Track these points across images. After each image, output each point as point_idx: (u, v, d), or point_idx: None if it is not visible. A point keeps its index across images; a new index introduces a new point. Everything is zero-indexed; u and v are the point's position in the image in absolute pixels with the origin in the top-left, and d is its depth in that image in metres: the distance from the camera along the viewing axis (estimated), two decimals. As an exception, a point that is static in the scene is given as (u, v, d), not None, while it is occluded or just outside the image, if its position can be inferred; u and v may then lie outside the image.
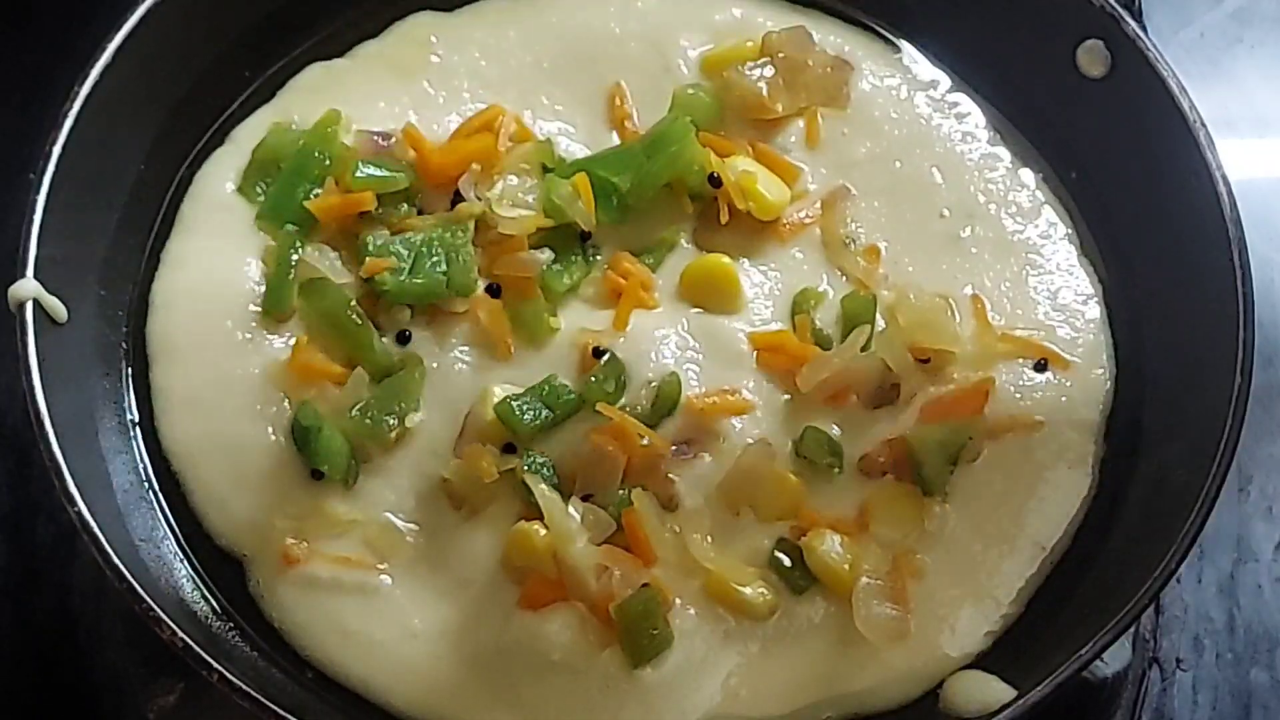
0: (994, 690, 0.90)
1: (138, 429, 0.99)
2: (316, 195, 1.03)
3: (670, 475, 0.96)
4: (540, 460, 0.96)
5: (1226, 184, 0.99)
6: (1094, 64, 1.05)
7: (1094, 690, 1.07)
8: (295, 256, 1.01)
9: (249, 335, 1.00)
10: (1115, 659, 1.06)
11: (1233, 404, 0.93)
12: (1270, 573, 1.14)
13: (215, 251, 1.03)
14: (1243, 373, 0.93)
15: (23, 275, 0.94)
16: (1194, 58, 1.32)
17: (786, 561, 0.95)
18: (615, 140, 1.07)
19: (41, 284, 0.94)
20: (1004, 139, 1.10)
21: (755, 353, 1.01)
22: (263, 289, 1.01)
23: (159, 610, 0.87)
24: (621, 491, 0.94)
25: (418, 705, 0.93)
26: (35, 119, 0.99)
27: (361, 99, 1.07)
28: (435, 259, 1.00)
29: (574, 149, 1.06)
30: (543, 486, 0.93)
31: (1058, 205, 1.08)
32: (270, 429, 0.98)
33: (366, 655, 0.93)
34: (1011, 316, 1.03)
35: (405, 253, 1.00)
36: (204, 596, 0.95)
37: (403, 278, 1.00)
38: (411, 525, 0.96)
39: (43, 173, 0.96)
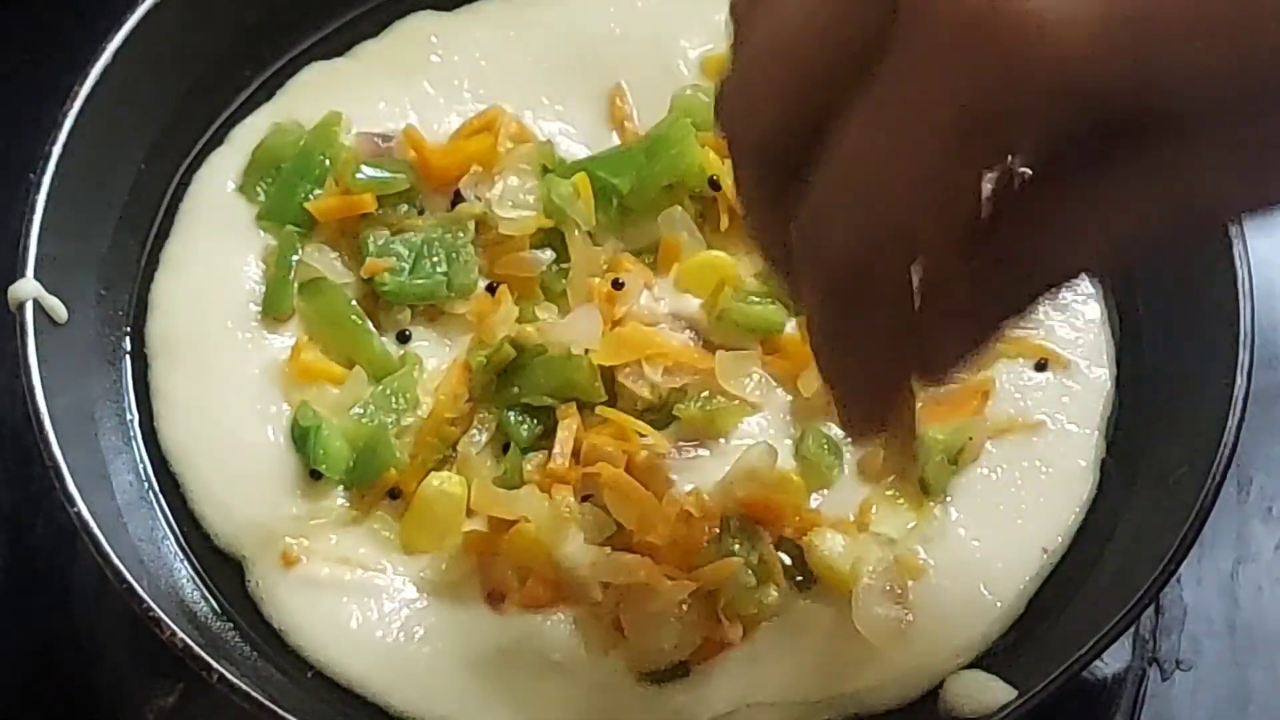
0: (994, 690, 0.90)
1: (138, 429, 0.99)
2: (317, 196, 1.03)
3: (671, 476, 0.96)
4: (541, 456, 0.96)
5: (1227, 184, 0.98)
6: (1094, 64, 1.05)
7: (1094, 690, 1.06)
8: (295, 257, 1.01)
9: (249, 335, 1.01)
10: (1115, 659, 1.06)
11: (1233, 404, 0.93)
12: (1270, 573, 1.14)
13: (215, 251, 1.03)
14: (1243, 373, 0.93)
15: (23, 275, 0.94)
16: (1194, 58, 1.31)
17: (786, 561, 0.95)
18: (615, 141, 1.07)
19: (41, 284, 0.94)
20: (1004, 139, 1.09)
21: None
22: (263, 289, 1.02)
23: (159, 610, 0.87)
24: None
25: (418, 705, 0.93)
26: (35, 119, 0.99)
27: (361, 99, 1.07)
28: (435, 259, 1.01)
29: (574, 149, 1.06)
30: (537, 493, 0.93)
31: (1057, 205, 1.08)
32: (270, 429, 0.98)
33: (366, 655, 0.93)
34: (1011, 316, 1.03)
35: (405, 253, 1.00)
36: (204, 596, 0.95)
37: (403, 278, 1.00)
38: (412, 525, 0.96)
39: (43, 173, 0.96)
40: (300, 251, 1.01)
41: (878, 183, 0.61)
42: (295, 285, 1.01)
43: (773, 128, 0.64)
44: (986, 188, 0.63)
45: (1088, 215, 0.64)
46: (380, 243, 1.01)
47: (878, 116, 0.60)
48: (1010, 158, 0.62)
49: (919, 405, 0.79)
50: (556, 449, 0.94)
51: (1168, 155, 0.62)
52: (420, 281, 1.00)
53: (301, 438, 0.96)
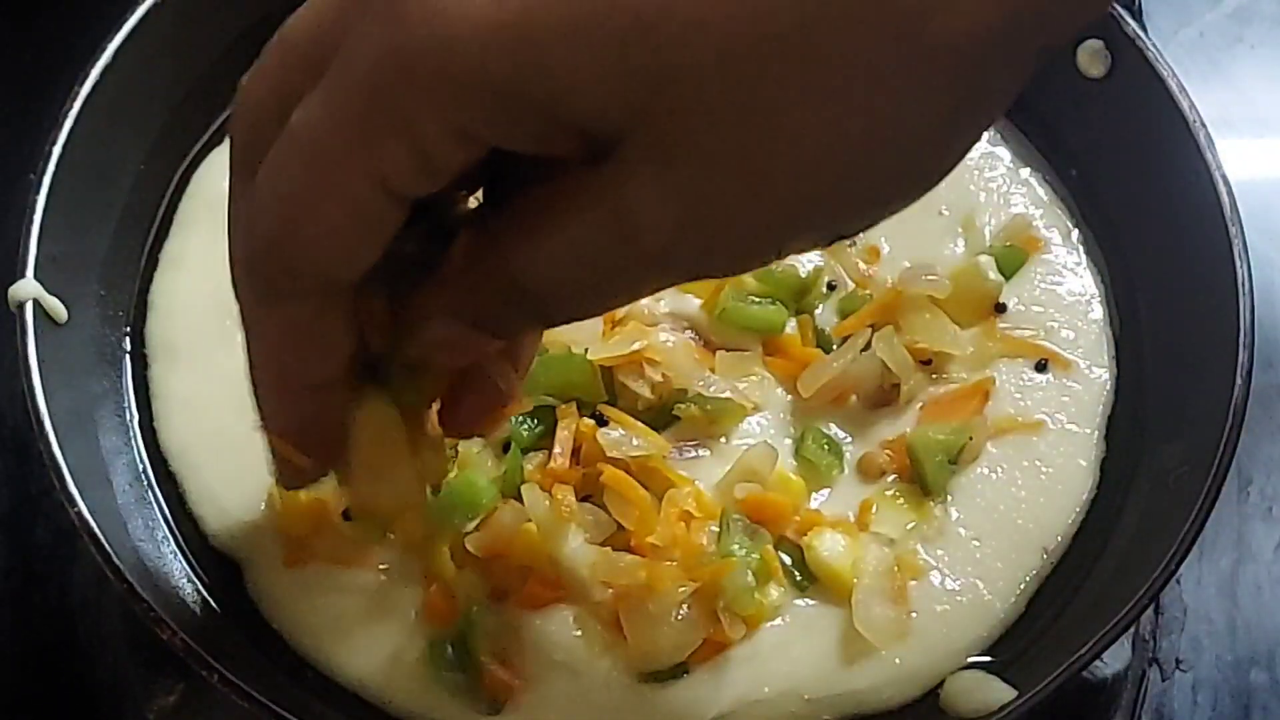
0: (994, 690, 0.90)
1: (137, 429, 0.99)
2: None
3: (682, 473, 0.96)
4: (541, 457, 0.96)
5: (1226, 184, 0.99)
6: (1094, 64, 1.05)
7: (1094, 690, 1.06)
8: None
9: (249, 335, 1.00)
10: (1115, 659, 1.06)
11: (1233, 404, 0.93)
12: (1270, 573, 1.14)
13: (214, 251, 1.02)
14: (1243, 373, 0.93)
15: (23, 275, 0.94)
16: (1194, 58, 1.32)
17: (786, 561, 0.95)
18: (615, 140, 1.07)
19: (41, 284, 0.94)
20: (1004, 139, 1.10)
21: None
22: (262, 289, 1.02)
23: (159, 610, 0.86)
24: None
25: (417, 705, 0.92)
26: (35, 119, 0.99)
27: (361, 99, 1.07)
28: (436, 259, 1.00)
29: (574, 149, 1.06)
30: (537, 492, 0.93)
31: (1058, 205, 1.08)
32: (270, 429, 0.98)
33: (366, 655, 0.93)
34: (1012, 316, 1.03)
35: (407, 255, 1.00)
36: (204, 597, 0.95)
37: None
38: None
39: (43, 173, 0.96)
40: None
41: (286, 164, 0.61)
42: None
43: (248, 105, 0.66)
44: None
45: (552, 229, 0.61)
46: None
47: (311, 96, 0.60)
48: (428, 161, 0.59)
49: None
50: (556, 449, 0.94)
51: (606, 175, 0.59)
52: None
53: (300, 438, 0.96)
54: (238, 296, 0.69)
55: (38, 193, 0.95)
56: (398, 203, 0.61)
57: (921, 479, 0.97)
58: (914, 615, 0.94)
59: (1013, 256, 1.04)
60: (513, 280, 0.63)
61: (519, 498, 0.93)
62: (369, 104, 0.58)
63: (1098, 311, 1.05)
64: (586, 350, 0.96)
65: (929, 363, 1.01)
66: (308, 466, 0.76)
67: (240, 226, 0.66)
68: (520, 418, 0.96)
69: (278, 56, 0.64)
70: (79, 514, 0.88)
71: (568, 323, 0.67)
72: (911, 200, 0.61)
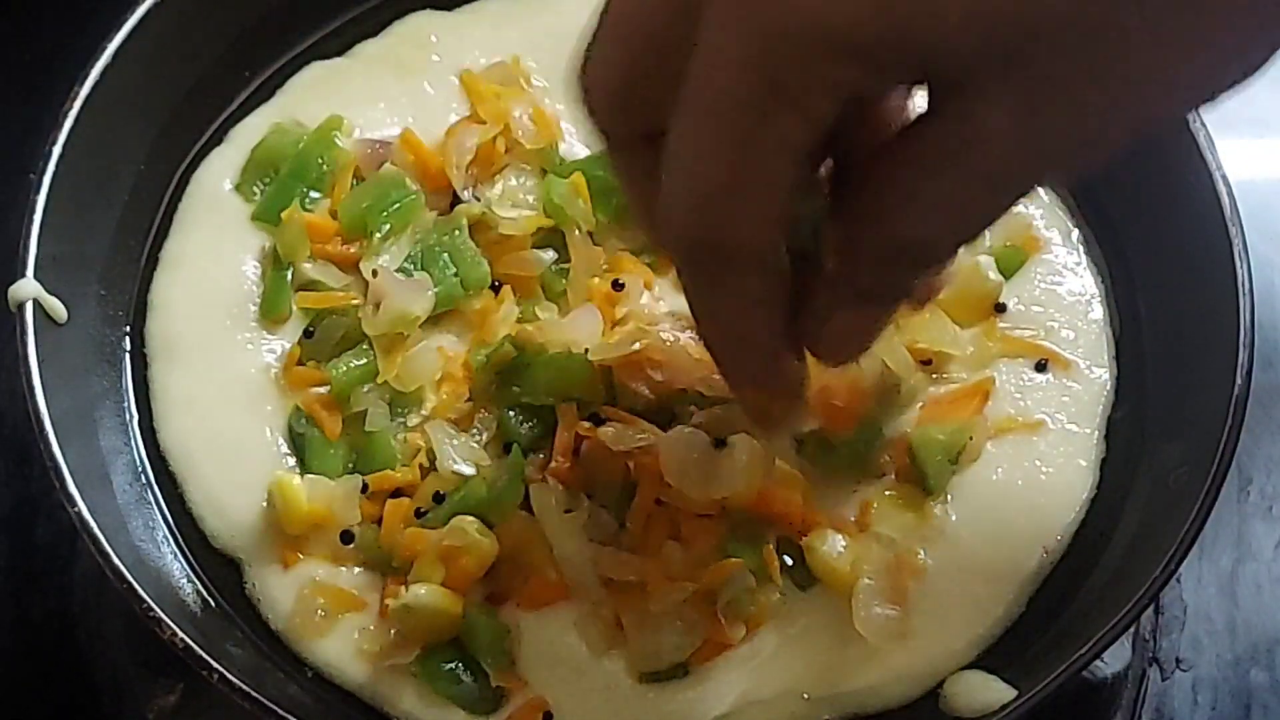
0: (994, 690, 0.90)
1: (137, 429, 0.99)
2: (314, 200, 1.03)
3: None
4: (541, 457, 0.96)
5: (1226, 184, 0.99)
6: (1094, 64, 1.05)
7: (1094, 690, 1.07)
8: (289, 271, 1.01)
9: (248, 335, 1.01)
10: (1115, 659, 1.06)
11: (1232, 404, 0.93)
12: (1270, 573, 1.14)
13: (213, 251, 1.03)
14: (1243, 373, 0.93)
15: (23, 275, 0.94)
16: (1194, 58, 1.31)
17: (787, 561, 0.95)
18: (615, 140, 1.07)
19: (41, 284, 0.94)
20: (1004, 139, 1.09)
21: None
22: (260, 288, 1.01)
23: (159, 610, 0.87)
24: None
25: (416, 705, 0.93)
26: (35, 119, 0.99)
27: (361, 99, 1.07)
28: (443, 262, 1.00)
29: (574, 149, 1.06)
30: (545, 492, 0.93)
31: (1058, 205, 1.08)
32: (268, 429, 0.98)
33: (365, 655, 0.93)
34: (1012, 316, 1.03)
35: (412, 269, 1.00)
36: (204, 597, 0.95)
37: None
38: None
39: (43, 173, 0.96)
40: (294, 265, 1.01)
41: (700, 158, 0.65)
42: (292, 291, 1.00)
43: (608, 96, 0.69)
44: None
45: (917, 178, 0.67)
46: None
47: (692, 89, 0.64)
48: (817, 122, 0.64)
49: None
50: (557, 449, 0.94)
51: (958, 109, 0.65)
52: (438, 289, 0.99)
53: (298, 442, 0.96)
54: (679, 273, 0.73)
55: (38, 193, 0.95)
56: (801, 162, 0.66)
57: (921, 479, 0.97)
58: (914, 615, 0.94)
59: (1013, 256, 1.04)
60: (895, 245, 0.69)
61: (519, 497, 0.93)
62: (764, 86, 0.62)
63: (1098, 311, 1.05)
64: (586, 350, 0.96)
65: (929, 363, 1.01)
66: (778, 412, 0.85)
67: (656, 216, 0.70)
68: (520, 418, 0.96)
69: (624, 45, 0.68)
70: (79, 514, 0.89)
71: (953, 254, 0.74)
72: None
